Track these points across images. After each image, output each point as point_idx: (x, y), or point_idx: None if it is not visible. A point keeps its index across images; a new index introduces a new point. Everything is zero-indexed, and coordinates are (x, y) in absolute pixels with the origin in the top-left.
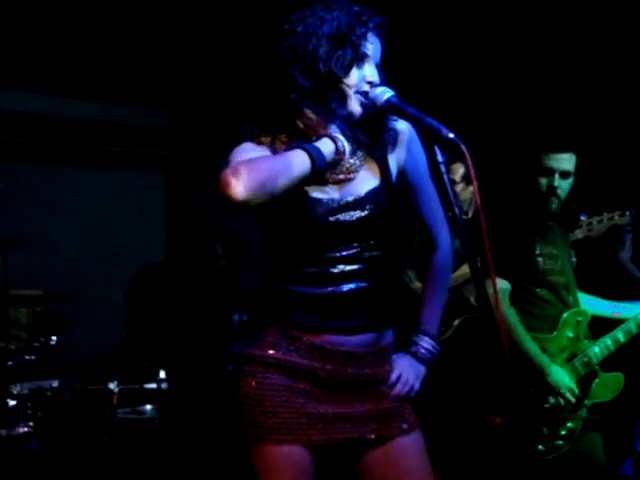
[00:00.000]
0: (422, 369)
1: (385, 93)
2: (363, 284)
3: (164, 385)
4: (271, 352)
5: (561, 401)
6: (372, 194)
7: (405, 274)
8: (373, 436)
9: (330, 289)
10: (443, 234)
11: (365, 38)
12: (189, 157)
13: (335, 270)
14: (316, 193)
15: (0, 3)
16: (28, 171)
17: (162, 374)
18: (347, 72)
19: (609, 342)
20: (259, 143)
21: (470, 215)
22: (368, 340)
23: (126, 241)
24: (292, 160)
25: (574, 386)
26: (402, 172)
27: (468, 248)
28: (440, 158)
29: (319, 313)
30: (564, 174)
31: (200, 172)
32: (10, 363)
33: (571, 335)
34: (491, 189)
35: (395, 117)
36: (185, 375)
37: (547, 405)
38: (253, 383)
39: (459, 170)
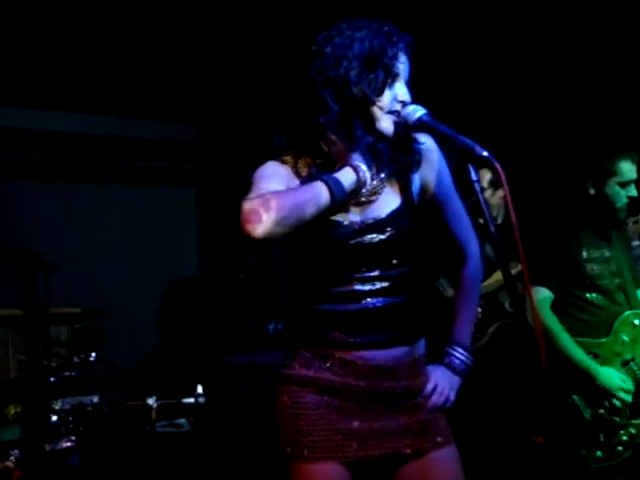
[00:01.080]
0: (456, 380)
1: (417, 111)
2: (390, 299)
3: (201, 399)
4: (304, 371)
5: (616, 403)
6: (393, 215)
7: (438, 282)
8: (409, 451)
9: (358, 306)
10: (472, 245)
11: (397, 59)
12: (221, 171)
13: (361, 288)
14: (338, 216)
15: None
16: (64, 189)
17: (199, 389)
18: (380, 94)
19: None
20: (283, 162)
21: (500, 221)
22: (400, 353)
23: (160, 255)
24: (310, 195)
25: (629, 386)
26: (427, 188)
27: (500, 255)
28: (474, 176)
29: (348, 330)
30: (634, 182)
31: (232, 185)
32: (52, 379)
33: (627, 339)
34: (532, 195)
35: (419, 137)
36: (222, 389)
37: (601, 411)
38: (287, 402)
39: (486, 176)
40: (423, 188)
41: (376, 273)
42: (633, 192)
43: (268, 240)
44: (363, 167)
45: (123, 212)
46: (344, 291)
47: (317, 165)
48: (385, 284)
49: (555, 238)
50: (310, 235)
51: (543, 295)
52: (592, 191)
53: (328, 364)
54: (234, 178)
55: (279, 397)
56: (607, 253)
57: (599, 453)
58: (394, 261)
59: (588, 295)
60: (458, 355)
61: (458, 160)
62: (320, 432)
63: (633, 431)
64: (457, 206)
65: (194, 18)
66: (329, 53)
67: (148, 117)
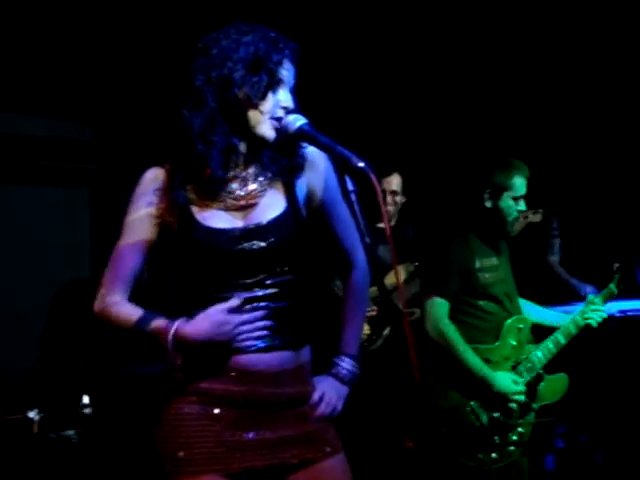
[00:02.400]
0: (344, 389)
1: (297, 121)
2: (273, 305)
3: (88, 410)
4: (185, 380)
5: (513, 406)
6: (276, 222)
7: (333, 283)
8: (295, 461)
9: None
10: (359, 254)
11: (281, 65)
12: (114, 171)
13: (245, 295)
14: (219, 223)
15: None
16: None
17: (85, 399)
18: (263, 98)
19: (550, 345)
20: (165, 170)
21: (393, 223)
22: (282, 358)
23: (51, 258)
24: (138, 329)
25: (522, 388)
26: (313, 195)
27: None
28: (350, 187)
29: None
30: (524, 197)
31: (126, 186)
32: None
33: (514, 343)
34: (428, 205)
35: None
36: (114, 399)
37: (497, 414)
38: (169, 414)
39: (395, 180)
40: (309, 194)
41: (259, 280)
42: (523, 207)
43: (163, 246)
44: (171, 335)
45: (12, 212)
46: (227, 297)
47: (184, 172)
48: (269, 291)
49: (451, 247)
50: (192, 241)
51: (440, 304)
52: (488, 204)
53: (210, 371)
54: (128, 178)
55: (162, 409)
56: (496, 262)
57: (494, 455)
58: (278, 268)
59: (481, 302)
60: (345, 365)
61: (338, 170)
62: (201, 444)
63: (522, 430)
64: (344, 214)
65: (85, 16)
66: (215, 54)
67: (40, 115)
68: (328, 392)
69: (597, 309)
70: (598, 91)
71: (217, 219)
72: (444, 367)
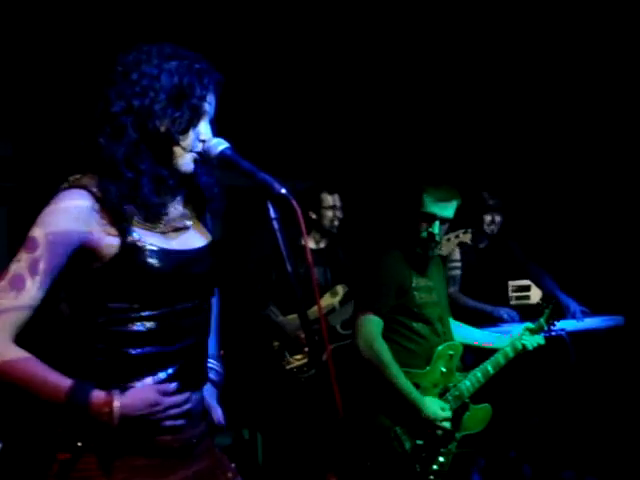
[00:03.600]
0: (217, 392)
1: (220, 145)
2: (197, 337)
3: None
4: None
5: (439, 432)
6: (204, 250)
7: (269, 310)
8: None
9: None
10: None
11: (204, 99)
12: (34, 189)
13: (172, 319)
14: (159, 244)
15: None
16: None
17: None
18: (184, 133)
19: (479, 375)
20: (88, 191)
21: (324, 245)
22: (193, 413)
23: None
24: (42, 395)
25: (449, 414)
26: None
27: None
28: (272, 214)
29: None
30: (445, 221)
31: (45, 204)
32: None
33: (444, 369)
34: (363, 221)
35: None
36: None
37: (420, 441)
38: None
39: (335, 196)
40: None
41: (195, 306)
42: (435, 229)
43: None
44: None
45: None
46: (147, 321)
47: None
48: (196, 319)
49: (387, 262)
50: (130, 262)
51: (374, 321)
52: (404, 220)
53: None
54: (48, 197)
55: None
56: (430, 282)
57: None
58: (209, 295)
59: (415, 324)
60: (213, 366)
61: (260, 196)
62: None
63: (443, 460)
64: None
65: (7, 33)
66: (135, 80)
67: None
68: (212, 401)
69: (532, 338)
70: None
71: (156, 240)
72: (373, 388)
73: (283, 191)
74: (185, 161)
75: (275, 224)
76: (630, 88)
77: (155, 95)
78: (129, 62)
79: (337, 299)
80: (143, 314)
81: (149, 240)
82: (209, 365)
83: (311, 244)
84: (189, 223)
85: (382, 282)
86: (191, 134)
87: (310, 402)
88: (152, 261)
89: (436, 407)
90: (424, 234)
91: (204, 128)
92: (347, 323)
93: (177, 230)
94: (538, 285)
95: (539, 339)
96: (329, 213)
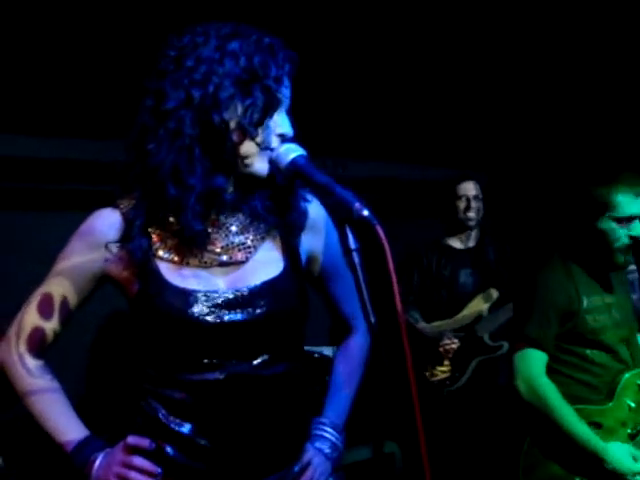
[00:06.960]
0: (329, 465)
1: (291, 152)
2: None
3: None
4: None
5: None
6: (270, 285)
7: (409, 315)
8: None
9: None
10: (360, 321)
11: (281, 82)
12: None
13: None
14: (192, 282)
15: None
16: None
17: None
18: (259, 125)
19: None
20: (120, 211)
21: (473, 244)
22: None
23: None
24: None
25: None
26: (314, 260)
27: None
28: (353, 244)
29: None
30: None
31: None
32: None
33: (632, 404)
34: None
35: (308, 196)
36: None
37: None
38: None
39: (471, 185)
40: (310, 258)
41: (234, 361)
42: (637, 230)
43: None
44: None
45: None
46: (187, 381)
47: (146, 214)
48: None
49: (548, 280)
50: (155, 305)
51: (534, 356)
52: (584, 227)
53: None
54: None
55: None
56: (607, 299)
57: None
58: (265, 347)
59: (589, 351)
60: (328, 437)
61: (336, 219)
62: None
63: None
64: (346, 279)
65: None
66: (192, 66)
67: None
68: (315, 467)
69: None
70: None
71: (191, 278)
72: (540, 432)
73: (365, 213)
74: (260, 161)
75: (355, 257)
76: (629, 86)
77: (220, 82)
78: (181, 45)
79: (488, 305)
80: (173, 378)
81: (173, 274)
82: (320, 433)
83: (457, 244)
84: (250, 251)
85: (541, 307)
86: (266, 127)
87: (452, 418)
88: (170, 302)
89: (626, 456)
90: (624, 240)
91: (281, 119)
92: (496, 334)
93: (225, 263)
94: None
95: None
96: (461, 204)
